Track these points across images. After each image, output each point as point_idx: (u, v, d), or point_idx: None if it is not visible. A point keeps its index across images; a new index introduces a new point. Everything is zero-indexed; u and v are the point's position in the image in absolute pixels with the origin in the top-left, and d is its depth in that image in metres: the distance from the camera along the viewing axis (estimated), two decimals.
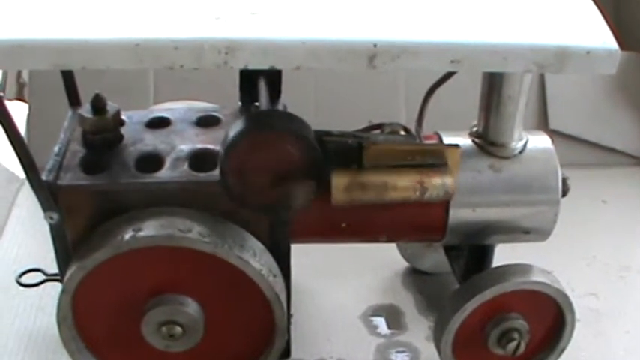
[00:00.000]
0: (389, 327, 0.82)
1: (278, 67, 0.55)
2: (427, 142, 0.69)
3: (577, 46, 0.57)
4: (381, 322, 0.83)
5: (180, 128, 0.71)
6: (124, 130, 0.70)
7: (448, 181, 0.62)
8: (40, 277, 0.77)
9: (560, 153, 1.14)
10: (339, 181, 0.62)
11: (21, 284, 0.77)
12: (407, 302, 0.85)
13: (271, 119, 0.62)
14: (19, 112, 1.06)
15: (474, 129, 0.71)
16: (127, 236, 0.62)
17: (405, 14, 0.57)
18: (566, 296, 0.70)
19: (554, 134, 1.09)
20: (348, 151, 0.62)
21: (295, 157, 0.60)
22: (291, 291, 0.74)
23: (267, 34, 0.55)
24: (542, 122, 1.08)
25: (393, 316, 0.83)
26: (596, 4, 0.62)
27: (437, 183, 0.62)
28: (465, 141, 0.71)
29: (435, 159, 0.62)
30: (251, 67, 0.55)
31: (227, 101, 0.76)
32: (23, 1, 0.57)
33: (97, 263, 0.63)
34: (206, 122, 0.72)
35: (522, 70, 0.60)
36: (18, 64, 0.56)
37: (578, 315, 0.82)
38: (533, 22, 0.59)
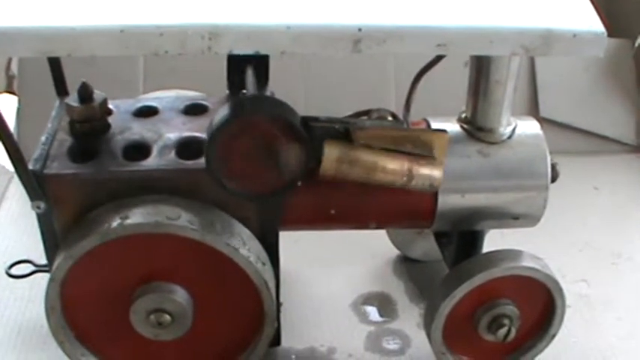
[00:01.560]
0: (380, 315, 0.82)
1: (262, 52, 0.55)
2: (415, 128, 0.69)
3: (563, 28, 0.57)
4: (372, 310, 0.83)
5: (167, 117, 0.71)
6: (111, 119, 0.70)
7: (436, 173, 0.62)
8: (29, 268, 0.77)
9: (551, 140, 1.14)
10: (331, 152, 0.61)
11: (10, 275, 0.76)
12: (398, 290, 0.85)
13: (255, 104, 0.62)
14: (8, 104, 1.06)
15: (463, 114, 0.71)
16: (115, 224, 0.62)
17: None
18: (556, 282, 0.70)
19: (544, 122, 1.09)
20: (334, 136, 0.62)
21: (281, 142, 0.60)
22: (281, 279, 0.74)
23: (252, 20, 0.55)
24: (532, 110, 1.08)
25: (384, 304, 0.83)
26: None
27: (424, 173, 0.62)
28: (453, 126, 0.71)
29: (424, 148, 0.62)
30: (235, 52, 0.55)
31: (216, 91, 0.76)
32: None
33: (84, 252, 0.63)
34: (193, 110, 0.72)
35: (509, 53, 0.60)
36: (3, 51, 0.55)
37: (568, 301, 0.82)
38: (519, 5, 0.59)
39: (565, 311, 0.72)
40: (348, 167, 0.61)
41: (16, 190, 0.97)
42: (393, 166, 0.61)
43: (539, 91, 1.08)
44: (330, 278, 0.86)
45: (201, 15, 0.55)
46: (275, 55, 0.58)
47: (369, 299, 0.84)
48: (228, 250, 0.63)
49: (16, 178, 1.02)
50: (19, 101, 1.05)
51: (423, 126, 0.71)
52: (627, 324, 0.82)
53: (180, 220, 0.62)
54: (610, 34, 1.20)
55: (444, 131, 0.64)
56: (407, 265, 0.88)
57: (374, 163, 0.61)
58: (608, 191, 1.02)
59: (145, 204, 0.63)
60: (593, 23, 0.58)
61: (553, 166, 0.72)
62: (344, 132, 0.61)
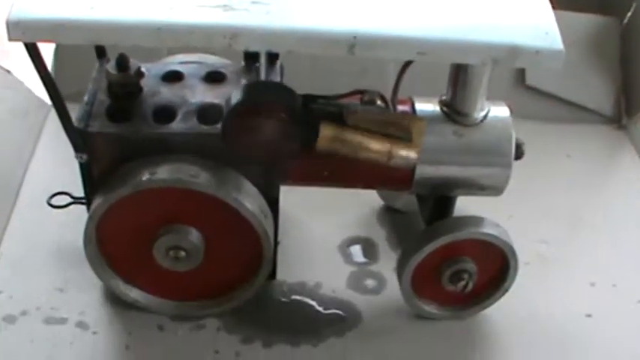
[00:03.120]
0: (363, 257, 0.95)
1: (273, 50, 0.67)
2: (400, 107, 0.81)
3: (528, 45, 0.68)
4: (356, 252, 0.96)
5: (191, 83, 0.82)
6: (143, 82, 0.82)
7: (412, 154, 0.74)
8: (67, 199, 0.89)
9: (533, 107, 1.26)
10: (326, 131, 0.73)
11: (51, 205, 0.89)
12: (380, 236, 0.98)
13: (263, 91, 0.74)
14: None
15: (443, 97, 0.82)
16: (144, 178, 0.75)
17: (382, 10, 0.68)
18: (510, 246, 0.83)
19: (529, 90, 1.20)
20: (330, 117, 0.74)
21: (284, 123, 0.72)
22: (280, 221, 0.87)
23: (265, 23, 0.66)
24: (519, 78, 1.18)
25: (367, 248, 0.96)
26: None
27: (402, 154, 0.74)
28: (434, 107, 0.82)
29: (404, 131, 0.74)
30: (251, 49, 0.66)
31: (234, 57, 0.87)
32: None
33: (118, 198, 0.76)
34: (213, 78, 0.83)
35: (479, 63, 0.71)
36: (61, 39, 0.67)
37: (528, 259, 0.95)
38: (492, 21, 0.69)
39: (517, 270, 0.85)
40: (339, 145, 0.73)
41: (54, 122, 1.09)
42: (376, 147, 0.73)
43: None
44: (322, 222, 0.98)
45: (224, 18, 0.66)
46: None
47: (354, 242, 0.97)
48: (236, 204, 0.77)
49: (53, 111, 1.15)
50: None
51: (408, 105, 0.82)
52: (577, 283, 0.94)
53: (198, 178, 0.75)
54: (599, 12, 1.30)
55: (421, 118, 0.76)
56: (390, 214, 1.00)
57: (360, 143, 0.73)
58: (580, 159, 1.13)
59: (170, 162, 0.76)
60: (554, 41, 0.69)
61: (519, 146, 0.84)
62: (338, 114, 0.73)
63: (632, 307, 0.92)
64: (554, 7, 1.27)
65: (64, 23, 0.65)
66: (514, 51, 0.68)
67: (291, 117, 0.72)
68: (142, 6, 0.66)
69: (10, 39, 0.66)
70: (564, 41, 1.21)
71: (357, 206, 1.00)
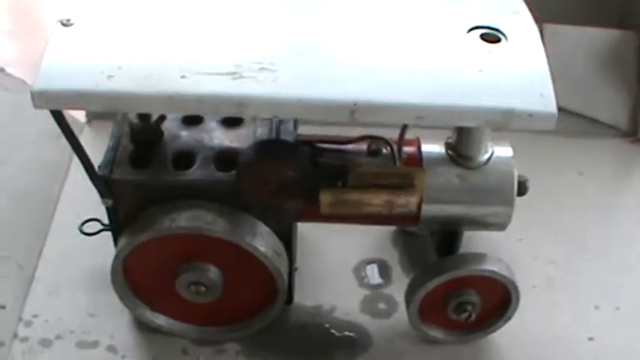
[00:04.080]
0: (377, 280, 1.00)
1: (280, 117, 0.71)
2: (407, 149, 0.85)
3: (522, 109, 0.71)
4: (370, 275, 1.01)
5: (209, 127, 0.87)
6: (164, 126, 0.87)
7: (412, 201, 0.78)
8: (97, 226, 0.94)
9: None
10: (325, 198, 0.79)
11: (83, 232, 0.95)
12: (393, 259, 1.02)
13: (273, 148, 0.79)
14: None
15: (449, 140, 0.86)
16: (165, 225, 0.81)
17: (380, 77, 0.71)
18: (511, 280, 0.87)
19: None
20: (336, 169, 0.79)
21: (292, 179, 0.77)
22: (298, 245, 0.92)
23: (271, 93, 0.70)
24: None
25: (381, 271, 1.01)
26: None
27: (403, 203, 0.78)
28: (440, 150, 0.86)
29: (406, 180, 0.78)
30: (259, 117, 0.71)
31: None
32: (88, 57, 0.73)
33: (141, 242, 0.82)
34: (231, 122, 0.88)
35: (475, 126, 0.74)
36: (82, 106, 0.72)
37: (535, 282, 0.99)
38: (487, 83, 0.72)
39: (519, 301, 0.89)
40: (341, 207, 0.78)
41: (86, 143, 1.15)
42: (376, 202, 0.78)
43: None
44: (337, 245, 1.02)
45: (233, 87, 0.70)
46: None
47: (368, 265, 1.02)
48: (251, 248, 0.82)
49: (86, 130, 1.21)
50: None
51: (415, 146, 0.86)
52: (582, 306, 0.98)
53: (214, 224, 0.81)
54: (618, 27, 1.31)
55: (423, 170, 0.80)
56: (404, 237, 1.05)
57: (361, 201, 0.78)
58: (593, 177, 1.14)
59: (189, 209, 0.81)
60: (548, 104, 0.72)
61: (523, 183, 0.87)
62: (342, 167, 0.78)
63: (635, 331, 0.96)
64: (573, 23, 1.29)
65: (84, 93, 0.70)
66: (508, 114, 0.71)
67: (298, 173, 0.76)
68: (156, 74, 0.71)
69: (36, 107, 0.71)
70: (581, 56, 1.24)
71: (372, 229, 1.03)
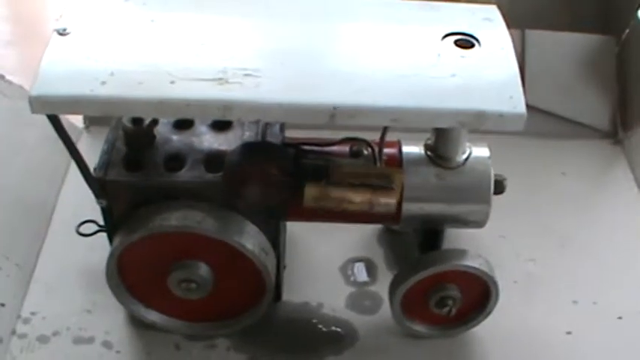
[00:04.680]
0: (363, 278, 1.04)
1: (263, 120, 0.75)
2: (388, 150, 0.88)
3: (492, 109, 0.75)
4: (356, 271, 1.04)
5: (200, 131, 0.91)
6: (156, 130, 0.90)
7: (391, 201, 0.82)
8: (93, 227, 0.98)
9: (530, 125, 1.32)
10: (309, 192, 0.82)
11: (79, 234, 0.99)
12: (379, 257, 1.06)
13: (259, 149, 0.83)
14: None
15: (428, 141, 0.90)
16: (156, 224, 0.85)
17: (358, 83, 0.75)
18: (490, 276, 0.90)
19: (528, 109, 1.25)
20: (319, 169, 0.83)
21: (276, 178, 0.81)
22: (287, 243, 0.96)
23: (255, 97, 0.74)
24: None
25: (367, 269, 1.05)
26: None
27: (383, 202, 0.82)
28: (420, 151, 0.90)
29: (385, 180, 0.82)
30: (243, 119, 0.75)
31: None
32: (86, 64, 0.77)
33: (134, 240, 0.86)
34: (220, 125, 0.91)
35: (448, 127, 0.78)
36: (77, 111, 0.76)
37: (516, 278, 1.03)
38: (460, 86, 0.76)
39: (499, 296, 0.93)
40: (324, 201, 0.82)
41: (85, 146, 1.19)
42: (358, 199, 0.82)
43: (527, 80, 1.24)
44: (325, 243, 1.06)
45: (219, 91, 0.74)
46: None
47: (354, 263, 1.05)
48: (239, 246, 0.86)
49: (85, 135, 1.25)
50: None
51: (396, 147, 0.90)
52: (560, 301, 1.01)
53: (203, 223, 0.84)
54: (600, 32, 1.35)
55: (400, 170, 0.84)
56: (389, 236, 1.08)
57: (343, 198, 0.82)
58: (575, 177, 1.18)
59: (178, 209, 0.85)
60: (517, 105, 0.76)
61: (500, 182, 0.91)
62: (325, 167, 0.82)
63: (612, 324, 1.00)
64: (555, 29, 1.33)
65: (78, 99, 0.74)
66: (479, 116, 0.75)
67: (282, 173, 0.80)
68: (147, 80, 0.75)
69: (33, 112, 0.75)
70: (563, 61, 1.27)
71: (358, 227, 1.07)
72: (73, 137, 1.22)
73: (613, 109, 1.25)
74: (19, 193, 1.11)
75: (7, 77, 1.25)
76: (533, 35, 1.25)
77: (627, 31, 1.25)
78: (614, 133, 1.25)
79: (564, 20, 1.30)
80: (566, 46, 1.25)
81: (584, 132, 1.25)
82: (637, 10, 1.23)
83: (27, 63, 1.37)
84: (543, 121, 1.24)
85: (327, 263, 1.05)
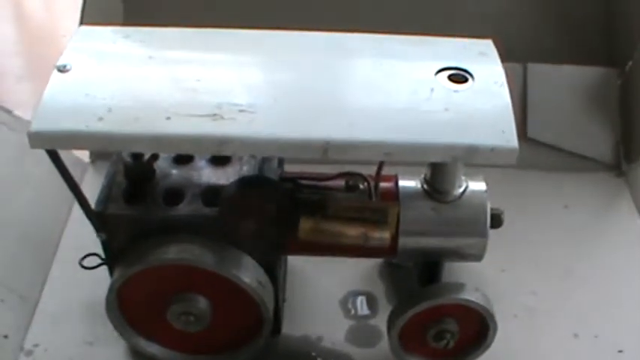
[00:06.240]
0: (363, 311, 1.04)
1: (258, 155, 0.76)
2: (385, 184, 0.89)
3: (484, 144, 0.76)
4: (356, 305, 1.04)
5: (199, 165, 0.92)
6: (157, 164, 0.92)
7: (385, 235, 0.83)
8: (96, 260, 0.99)
9: (533, 158, 1.32)
10: (304, 226, 0.83)
11: (83, 267, 1.00)
12: (379, 290, 1.06)
13: (254, 185, 0.84)
14: None
15: (424, 175, 0.91)
16: (155, 257, 0.86)
17: (351, 118, 0.76)
18: (488, 310, 0.90)
19: (531, 142, 1.26)
20: (315, 203, 0.83)
21: (272, 212, 0.82)
22: (288, 276, 0.96)
23: (249, 133, 0.75)
24: (521, 132, 1.23)
25: (367, 302, 1.05)
26: None
27: (376, 236, 0.83)
28: (416, 185, 0.90)
29: (379, 215, 0.83)
30: (237, 154, 0.76)
31: None
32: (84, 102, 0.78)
33: (133, 273, 0.87)
34: (219, 160, 0.93)
35: (440, 161, 0.79)
36: (75, 147, 0.78)
37: (516, 311, 1.03)
38: (452, 120, 0.77)
39: (497, 330, 0.92)
40: (318, 234, 0.83)
41: (90, 180, 1.20)
42: (352, 233, 0.83)
43: (528, 113, 1.24)
44: (326, 276, 1.06)
45: (214, 127, 0.75)
46: None
47: (355, 297, 1.05)
48: (236, 279, 0.87)
49: (90, 170, 1.27)
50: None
51: (393, 182, 0.91)
52: (563, 335, 1.01)
53: (201, 257, 0.85)
54: (603, 63, 1.35)
55: (395, 204, 0.84)
56: (390, 269, 1.08)
57: (338, 232, 0.83)
58: (578, 210, 1.18)
59: (177, 243, 0.86)
60: (509, 139, 0.76)
61: (497, 216, 0.91)
62: (321, 201, 0.83)
63: (613, 358, 0.99)
64: (557, 61, 1.34)
65: (76, 135, 0.76)
66: (471, 150, 0.75)
67: (277, 207, 0.81)
68: (143, 116, 0.77)
69: (32, 147, 0.77)
70: (565, 93, 1.28)
71: (359, 262, 1.07)
72: (79, 171, 1.27)
73: (616, 141, 1.25)
74: (25, 225, 1.12)
75: (17, 112, 1.27)
76: (536, 68, 1.26)
77: (630, 62, 1.25)
78: (618, 166, 1.25)
79: (566, 53, 1.31)
80: (568, 79, 1.26)
81: (587, 164, 1.25)
82: None
83: (38, 98, 1.40)
84: (546, 154, 1.24)
85: (327, 296, 1.05)
